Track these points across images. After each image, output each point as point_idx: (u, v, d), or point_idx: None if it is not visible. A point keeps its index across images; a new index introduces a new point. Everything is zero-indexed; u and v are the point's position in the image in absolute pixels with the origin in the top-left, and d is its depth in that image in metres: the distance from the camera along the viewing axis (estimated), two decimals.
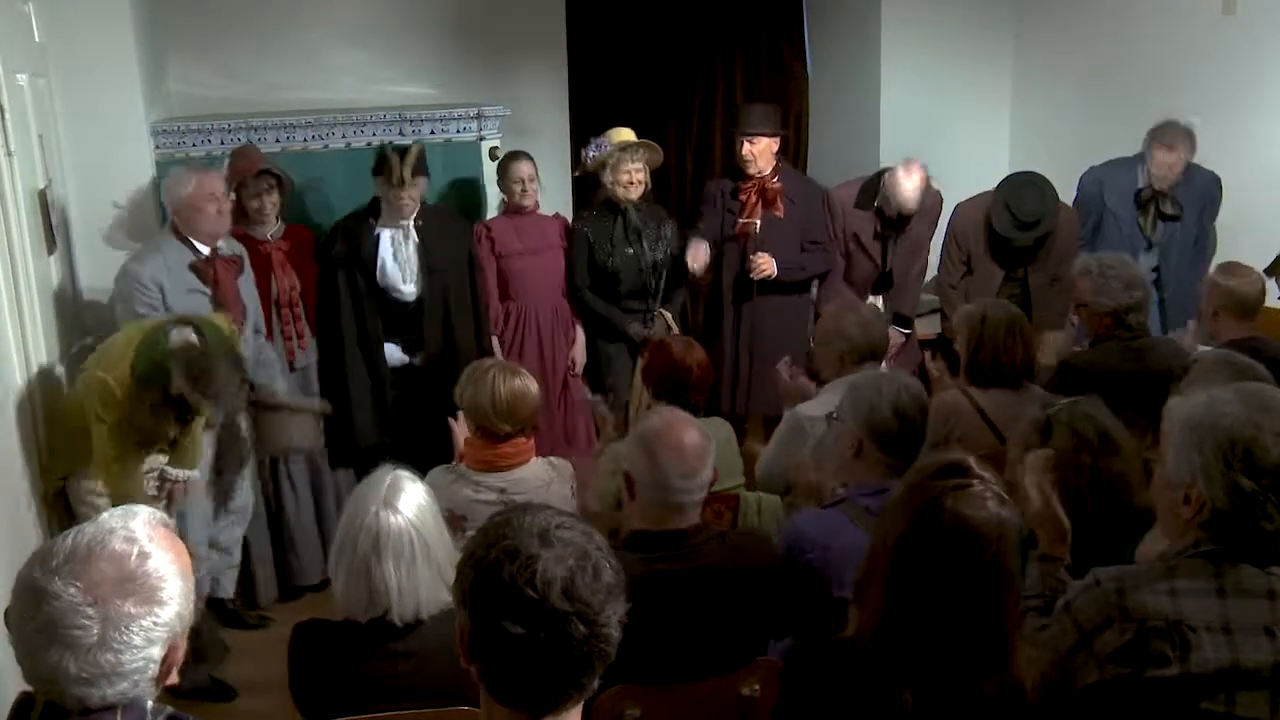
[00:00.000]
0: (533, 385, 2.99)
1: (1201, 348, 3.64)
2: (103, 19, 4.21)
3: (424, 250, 4.42)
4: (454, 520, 2.85)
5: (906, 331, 5.15)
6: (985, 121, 5.94)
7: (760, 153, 4.83)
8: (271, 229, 4.33)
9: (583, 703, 1.41)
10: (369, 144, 4.78)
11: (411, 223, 4.41)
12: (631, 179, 4.67)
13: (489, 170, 4.87)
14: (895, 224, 4.94)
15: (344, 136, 4.76)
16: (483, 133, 4.93)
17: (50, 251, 3.76)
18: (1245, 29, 4.74)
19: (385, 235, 4.41)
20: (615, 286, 4.72)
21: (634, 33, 6.17)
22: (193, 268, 3.88)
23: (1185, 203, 4.76)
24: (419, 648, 2.17)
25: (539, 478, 3.00)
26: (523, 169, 4.70)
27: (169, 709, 1.53)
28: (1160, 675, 1.75)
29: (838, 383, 3.36)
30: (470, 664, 1.39)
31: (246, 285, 4.10)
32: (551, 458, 3.14)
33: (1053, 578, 2.13)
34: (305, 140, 4.72)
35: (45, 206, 3.69)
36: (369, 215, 4.44)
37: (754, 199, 4.87)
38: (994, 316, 3.42)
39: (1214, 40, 4.85)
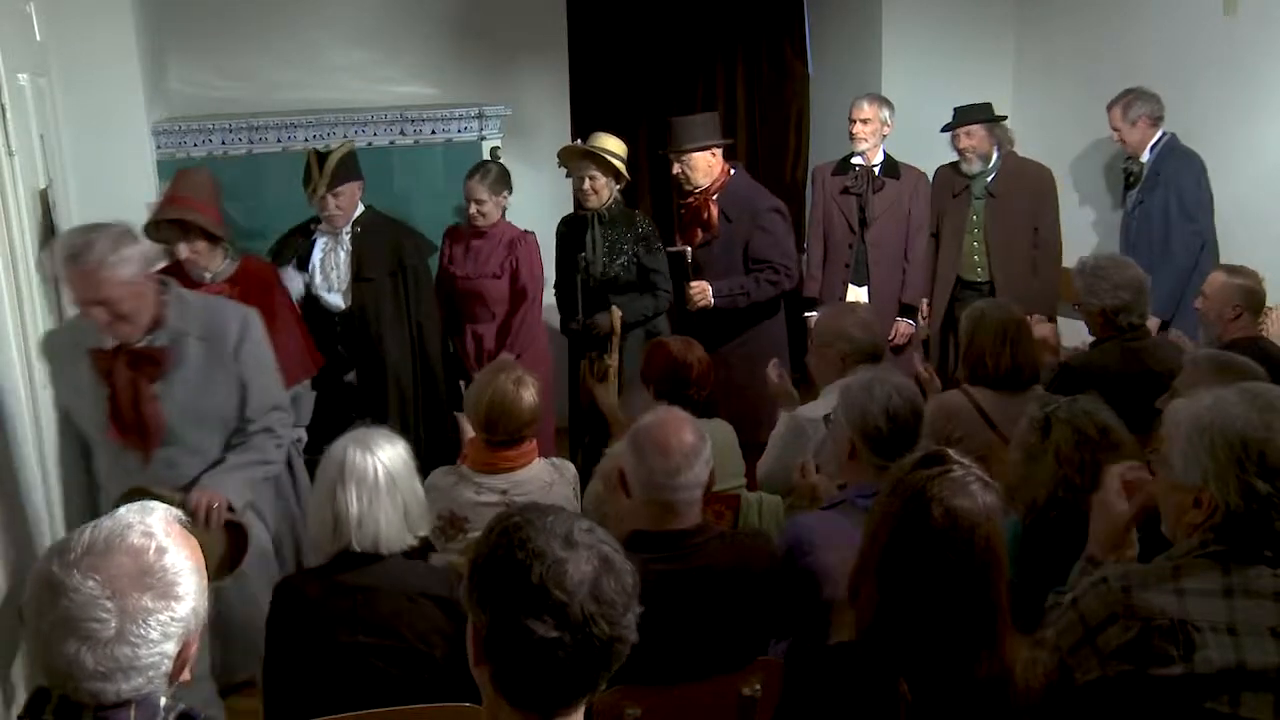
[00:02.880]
0: (528, 396, 2.96)
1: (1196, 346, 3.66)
2: (104, 19, 4.22)
3: (356, 258, 4.17)
4: (456, 521, 2.87)
5: (913, 322, 5.07)
6: None
7: (695, 168, 4.47)
8: (214, 270, 3.68)
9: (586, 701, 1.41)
10: (370, 144, 4.79)
11: (347, 229, 4.18)
12: (581, 186, 4.43)
13: None
14: (864, 181, 4.92)
15: (345, 136, 4.76)
16: (484, 132, 4.94)
17: None
18: (1246, 30, 4.73)
19: (319, 242, 4.22)
20: (575, 292, 4.49)
21: (635, 32, 6.18)
22: (91, 354, 2.96)
23: (1157, 174, 4.80)
24: (371, 583, 2.33)
25: (541, 479, 3.01)
26: (471, 188, 4.44)
27: (181, 706, 1.53)
28: (1164, 674, 1.75)
29: (838, 384, 3.36)
30: (480, 666, 1.38)
31: (175, 386, 2.97)
32: (554, 459, 3.14)
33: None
34: (306, 140, 4.73)
35: (46, 206, 3.69)
36: (315, 219, 4.25)
37: (690, 221, 4.56)
38: (989, 318, 3.43)
39: (1215, 41, 4.85)
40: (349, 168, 4.11)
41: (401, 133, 4.84)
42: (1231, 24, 4.78)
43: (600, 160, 4.36)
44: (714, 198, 4.49)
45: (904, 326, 5.05)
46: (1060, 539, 2.30)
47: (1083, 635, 1.84)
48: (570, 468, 3.15)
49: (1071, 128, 5.50)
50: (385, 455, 2.38)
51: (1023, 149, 5.31)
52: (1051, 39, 5.82)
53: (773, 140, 6.56)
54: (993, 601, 1.76)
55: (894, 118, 4.97)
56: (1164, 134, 4.83)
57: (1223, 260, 3.90)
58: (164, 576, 1.46)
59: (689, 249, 4.50)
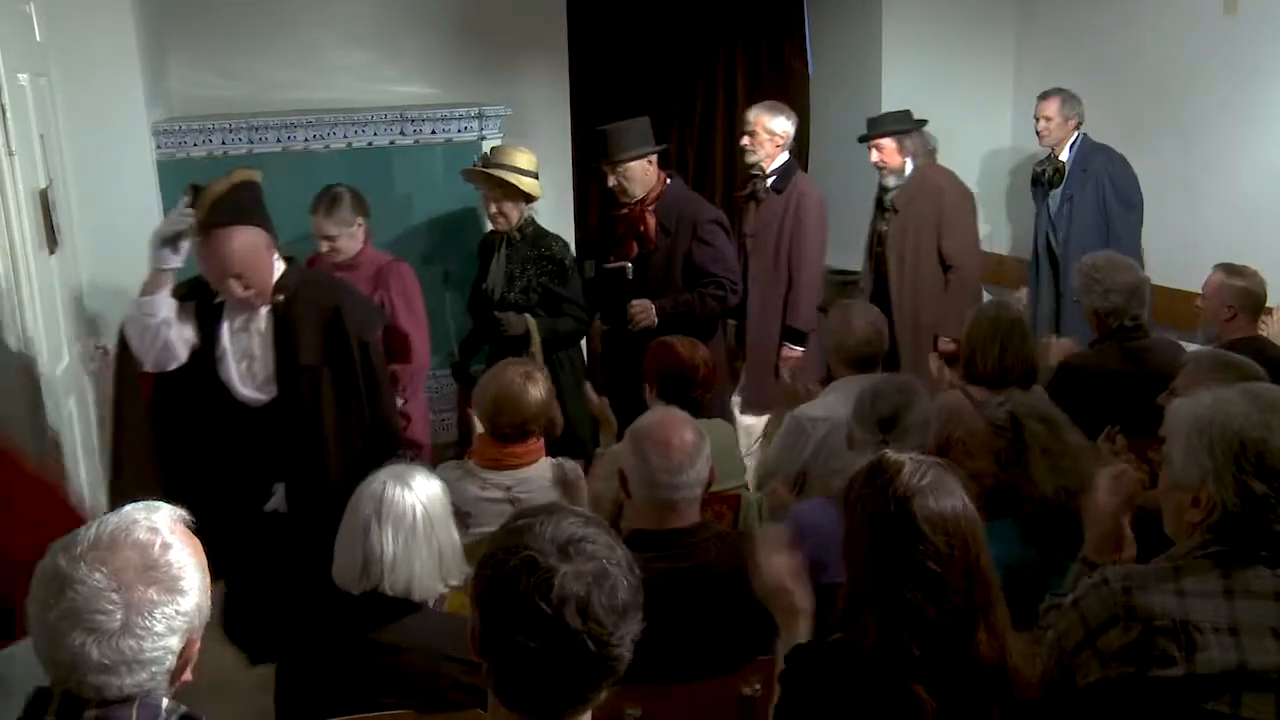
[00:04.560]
0: (534, 391, 2.97)
1: (1193, 347, 3.66)
2: (104, 19, 4.22)
3: (283, 340, 2.98)
4: (458, 516, 2.85)
5: (797, 349, 4.63)
6: (987, 121, 5.94)
7: (632, 178, 4.16)
8: None
9: (589, 711, 1.40)
10: (370, 144, 4.80)
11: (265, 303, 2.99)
12: (488, 210, 4.19)
13: None
14: (752, 194, 4.69)
15: (345, 136, 4.78)
16: (484, 132, 4.94)
17: (51, 251, 3.76)
18: (1247, 29, 4.73)
19: (226, 322, 3.01)
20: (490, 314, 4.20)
21: (635, 32, 6.18)
22: None
23: (1083, 170, 4.87)
24: (401, 642, 2.20)
25: (546, 477, 3.01)
26: (317, 224, 3.93)
27: (183, 708, 1.54)
28: (1165, 675, 1.75)
29: (839, 383, 3.37)
30: (479, 659, 1.39)
31: None
32: (560, 459, 3.14)
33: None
34: (306, 140, 4.74)
35: (46, 206, 3.69)
36: None
37: (625, 233, 4.25)
38: (984, 316, 3.46)
39: (1215, 40, 4.85)
40: (242, 208, 2.85)
41: (401, 133, 4.84)
42: (1231, 24, 4.77)
43: (504, 184, 4.11)
44: (651, 208, 4.19)
45: (786, 352, 4.63)
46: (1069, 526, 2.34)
47: (1084, 637, 1.84)
48: (577, 468, 3.14)
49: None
50: (424, 494, 2.26)
51: (1025, 148, 5.30)
52: (1052, 39, 5.82)
53: None
54: (980, 578, 1.75)
55: (789, 128, 4.64)
56: (1080, 134, 4.94)
57: (1223, 260, 3.89)
58: (169, 571, 1.48)
59: (628, 265, 4.21)
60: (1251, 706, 1.74)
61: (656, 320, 4.05)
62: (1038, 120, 5.00)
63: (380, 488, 2.24)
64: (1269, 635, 1.75)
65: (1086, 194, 4.89)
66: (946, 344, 4.37)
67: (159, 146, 4.51)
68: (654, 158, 4.21)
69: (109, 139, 4.27)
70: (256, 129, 4.67)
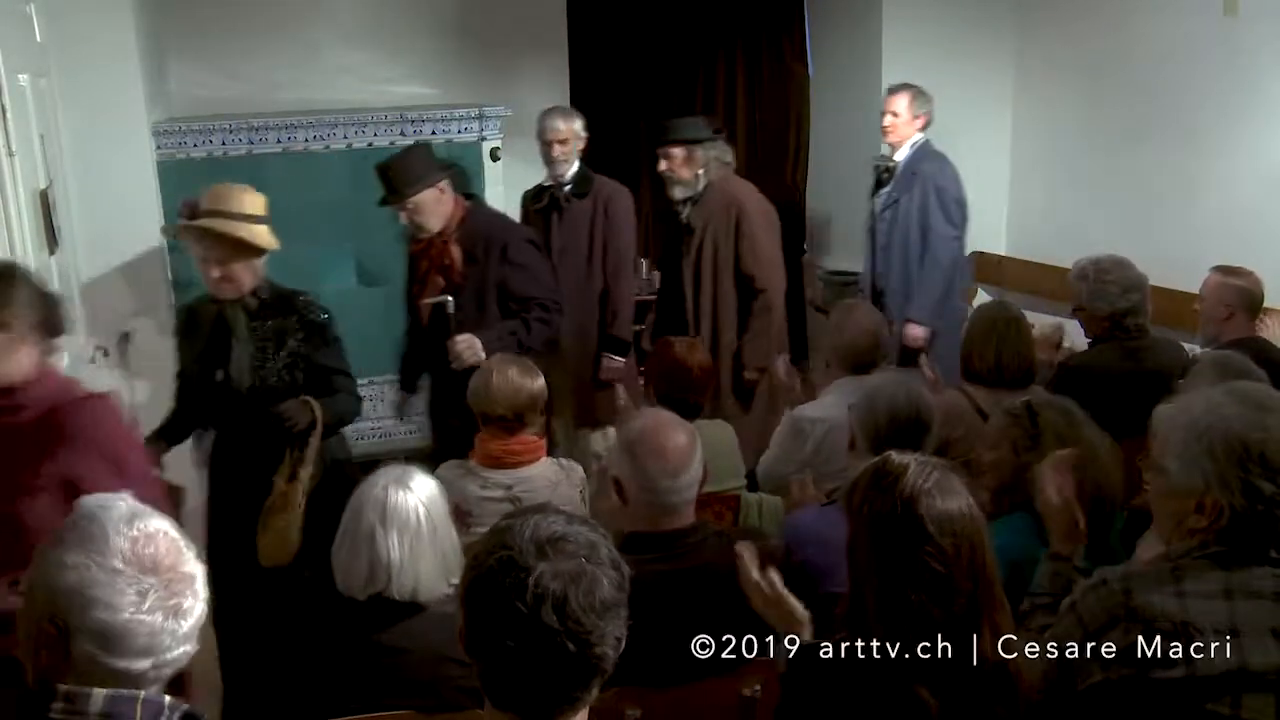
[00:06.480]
0: (530, 383, 2.99)
1: (1196, 348, 3.67)
2: (104, 19, 4.22)
3: None
4: (459, 515, 2.86)
5: (619, 359, 4.47)
6: (987, 121, 5.93)
7: (425, 210, 3.69)
8: None
9: (585, 711, 1.40)
10: (370, 144, 4.80)
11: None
12: (210, 274, 3.10)
13: (490, 171, 4.87)
14: (551, 204, 4.47)
15: (345, 137, 4.78)
16: (484, 133, 4.94)
17: (52, 251, 3.76)
18: (1247, 29, 4.73)
19: None
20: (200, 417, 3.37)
21: (635, 33, 6.19)
22: None
23: (913, 173, 4.76)
24: (404, 644, 2.20)
25: (546, 477, 3.02)
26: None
27: (185, 705, 1.55)
28: (1166, 677, 1.75)
29: (838, 384, 3.37)
30: (469, 660, 1.40)
31: None
32: (561, 459, 3.15)
33: (1063, 578, 2.13)
34: (306, 140, 4.74)
35: (47, 206, 3.69)
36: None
37: (427, 269, 3.82)
38: (982, 315, 3.48)
39: (1215, 40, 4.85)
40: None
41: (401, 133, 4.84)
42: (1231, 24, 4.78)
43: (227, 239, 3.05)
44: (454, 238, 3.76)
45: (607, 362, 4.47)
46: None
47: (1082, 639, 1.84)
48: (578, 468, 3.16)
49: (1073, 127, 5.49)
50: (425, 495, 2.26)
51: (1024, 148, 5.29)
52: (1052, 39, 5.82)
53: (773, 142, 6.56)
54: (986, 579, 1.75)
55: (583, 128, 4.46)
56: (923, 137, 4.83)
57: (1222, 261, 3.89)
58: (194, 583, 1.52)
59: (450, 299, 3.76)
60: (1252, 708, 1.74)
61: (483, 355, 3.61)
62: (884, 115, 4.79)
63: (382, 493, 2.23)
64: (1269, 636, 1.75)
65: (913, 198, 4.72)
66: (752, 375, 4.34)
67: (159, 146, 4.51)
68: (446, 185, 3.75)
69: (109, 139, 4.27)
70: (256, 129, 4.67)
